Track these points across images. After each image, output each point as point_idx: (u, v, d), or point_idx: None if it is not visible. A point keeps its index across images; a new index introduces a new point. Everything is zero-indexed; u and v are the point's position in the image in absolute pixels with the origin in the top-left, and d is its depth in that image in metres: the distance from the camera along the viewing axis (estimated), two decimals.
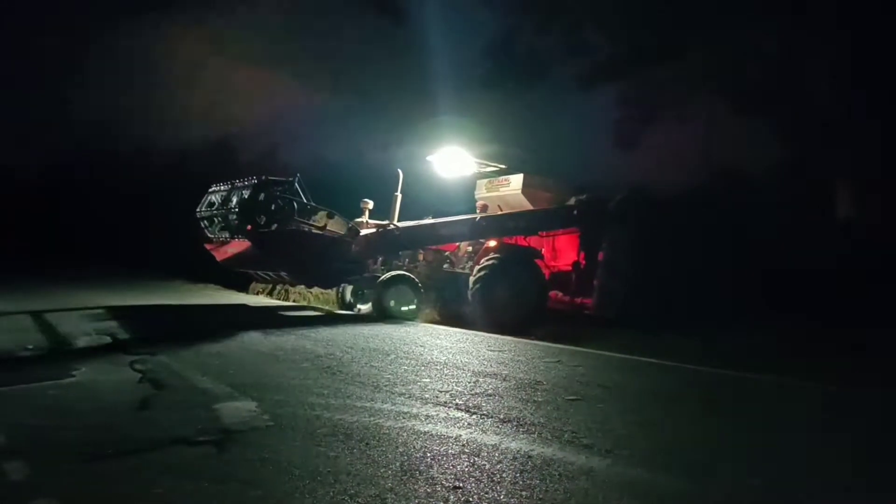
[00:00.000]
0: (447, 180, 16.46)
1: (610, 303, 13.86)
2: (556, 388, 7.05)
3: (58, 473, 4.10)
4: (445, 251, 14.90)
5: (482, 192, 16.52)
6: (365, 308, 13.33)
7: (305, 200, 11.47)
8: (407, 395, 6.27)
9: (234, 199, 11.30)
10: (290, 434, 4.99)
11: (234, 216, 11.02)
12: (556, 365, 8.41)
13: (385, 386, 6.63)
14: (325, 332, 10.00)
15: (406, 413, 5.65)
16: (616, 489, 4.20)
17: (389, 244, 13.07)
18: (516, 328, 12.38)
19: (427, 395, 6.29)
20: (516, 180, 15.55)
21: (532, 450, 4.83)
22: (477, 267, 13.60)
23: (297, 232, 11.11)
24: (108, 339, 8.60)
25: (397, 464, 4.42)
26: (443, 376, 7.25)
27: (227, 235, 11.50)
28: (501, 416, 5.70)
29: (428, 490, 4.00)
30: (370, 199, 13.73)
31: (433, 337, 10.20)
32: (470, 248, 14.85)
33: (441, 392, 6.44)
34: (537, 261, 14.64)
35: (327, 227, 11.54)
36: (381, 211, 13.93)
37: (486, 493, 4.02)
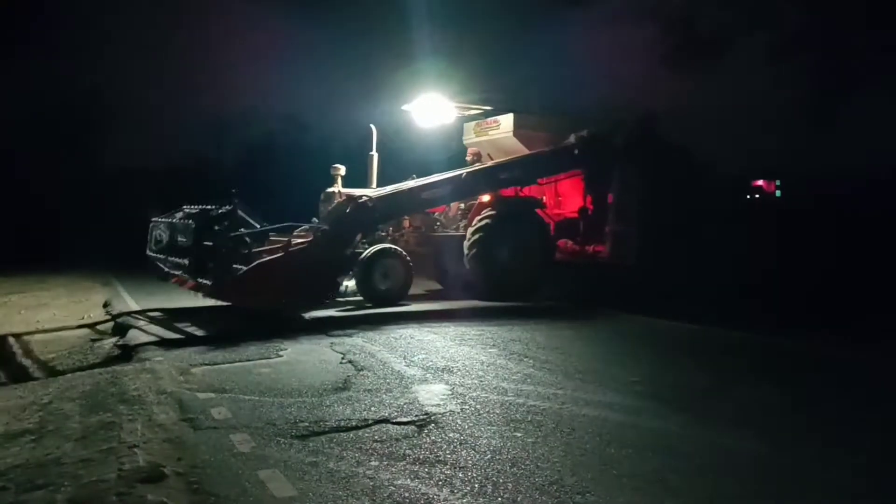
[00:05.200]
0: (428, 130, 14.64)
1: (626, 249, 12.23)
2: (748, 375, 6.68)
3: (278, 447, 4.43)
4: (434, 212, 13.13)
5: (471, 137, 14.53)
6: (351, 284, 11.20)
7: (257, 225, 9.60)
8: (598, 384, 6.19)
9: (179, 239, 9.54)
10: (486, 418, 5.08)
11: (186, 266, 9.27)
12: (734, 351, 7.97)
13: (575, 373, 6.57)
14: (505, 316, 10.02)
15: (599, 401, 5.58)
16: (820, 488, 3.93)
17: (364, 219, 10.78)
18: (521, 292, 11.44)
19: (619, 384, 6.17)
20: (506, 121, 13.46)
21: (738, 445, 4.61)
22: (471, 228, 11.89)
23: (262, 266, 9.04)
24: (305, 322, 9.14)
25: (597, 454, 4.38)
26: (634, 364, 7.08)
27: (187, 276, 9.55)
28: (698, 409, 5.49)
29: (631, 483, 3.93)
30: (341, 163, 11.77)
31: (616, 322, 9.94)
32: (462, 206, 13.04)
33: (633, 381, 6.29)
34: (538, 211, 12.82)
35: (291, 242, 9.66)
36: (358, 174, 12.25)
37: (692, 486, 3.90)
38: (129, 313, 9.66)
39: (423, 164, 13.51)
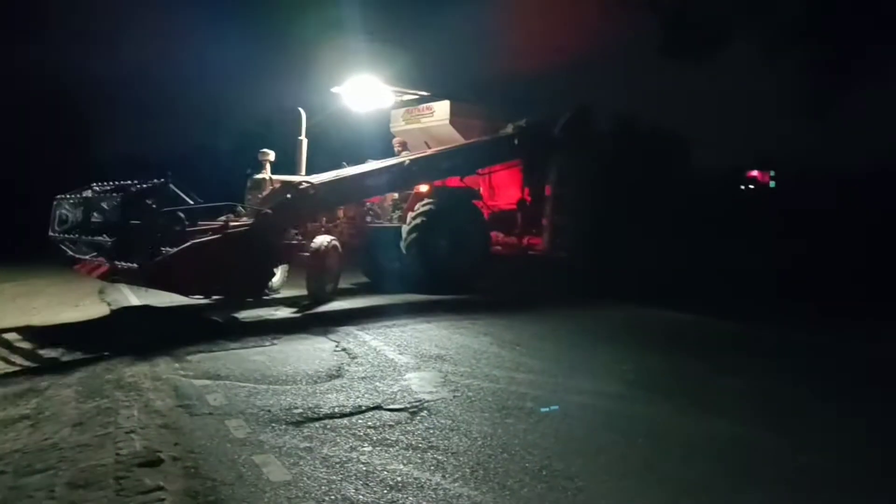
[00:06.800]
0: (361, 116, 13.89)
1: (562, 242, 12.42)
2: (735, 363, 6.77)
3: (273, 433, 4.50)
4: (368, 202, 12.48)
5: (400, 124, 14.01)
6: (276, 279, 10.46)
7: (192, 202, 8.60)
8: (589, 372, 6.27)
9: (97, 217, 8.29)
10: (479, 405, 5.16)
11: (109, 245, 7.86)
12: (721, 339, 8.06)
13: (566, 361, 6.67)
14: (502, 306, 10.10)
15: (589, 389, 5.66)
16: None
17: (306, 207, 9.98)
18: (459, 284, 11.26)
19: (609, 372, 6.26)
20: (442, 109, 13.04)
21: (727, 432, 4.70)
22: (409, 219, 11.57)
23: (195, 248, 7.88)
24: (299, 312, 9.19)
25: (587, 440, 4.47)
26: (625, 353, 7.16)
27: (104, 258, 8.11)
28: (687, 397, 5.58)
29: (620, 469, 4.01)
30: (270, 148, 10.59)
31: (605, 311, 9.97)
32: (396, 196, 12.54)
33: (623, 370, 6.37)
34: (476, 202, 12.68)
35: (230, 224, 8.72)
36: (285, 162, 11.13)
37: (682, 472, 3.98)
38: (129, 308, 9.67)
39: (353, 151, 12.99)
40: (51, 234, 8.93)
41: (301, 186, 9.83)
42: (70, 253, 8.82)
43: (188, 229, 8.44)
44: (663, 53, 23.43)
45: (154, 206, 8.06)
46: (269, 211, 9.09)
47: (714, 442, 4.52)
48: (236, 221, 9.01)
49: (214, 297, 9.02)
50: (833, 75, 19.42)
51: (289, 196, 9.60)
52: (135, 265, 7.58)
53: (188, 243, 7.90)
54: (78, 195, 8.79)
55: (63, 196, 8.97)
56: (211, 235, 8.25)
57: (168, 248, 7.83)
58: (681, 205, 13.27)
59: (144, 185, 8.08)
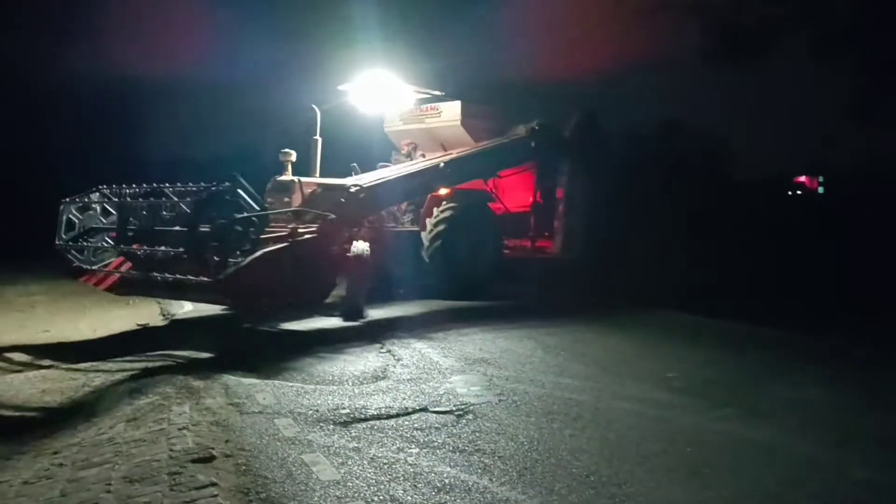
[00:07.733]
0: (365, 115, 13.09)
1: (574, 245, 12.35)
2: (784, 371, 6.63)
3: (321, 432, 4.56)
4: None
5: (397, 125, 13.25)
6: None
7: (262, 206, 7.63)
8: (634, 378, 6.22)
9: (132, 223, 7.71)
10: (525, 409, 5.16)
11: (181, 256, 7.00)
12: (769, 347, 7.88)
13: (611, 367, 6.62)
14: (540, 311, 10.07)
15: (635, 395, 5.62)
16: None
17: (357, 211, 9.43)
18: (477, 289, 10.96)
19: (655, 379, 6.19)
20: (451, 109, 12.42)
21: (774, 441, 4.62)
22: (432, 221, 11.12)
23: (267, 257, 7.14)
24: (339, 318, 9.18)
25: (633, 447, 4.43)
26: (670, 359, 7.08)
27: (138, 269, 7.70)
28: (735, 405, 5.49)
29: (667, 477, 3.98)
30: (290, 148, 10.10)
31: (645, 313, 9.85)
32: None
33: (669, 376, 6.30)
34: (490, 205, 12.30)
35: (298, 229, 8.07)
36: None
37: (728, 480, 3.93)
38: (175, 319, 9.76)
39: (354, 152, 12.48)
40: (58, 242, 8.08)
41: (352, 190, 9.35)
42: (77, 263, 8.12)
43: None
44: (708, 58, 23.10)
45: (226, 210, 7.09)
46: (333, 216, 8.58)
47: (763, 451, 4.45)
48: (304, 228, 8.30)
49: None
50: (884, 77, 18.95)
51: (342, 200, 9.11)
52: (205, 279, 6.77)
53: (259, 252, 7.09)
54: (86, 198, 8.26)
55: (69, 199, 8.27)
56: (281, 243, 7.56)
57: (234, 260, 6.93)
58: (715, 208, 13.18)
59: (214, 188, 7.19)
